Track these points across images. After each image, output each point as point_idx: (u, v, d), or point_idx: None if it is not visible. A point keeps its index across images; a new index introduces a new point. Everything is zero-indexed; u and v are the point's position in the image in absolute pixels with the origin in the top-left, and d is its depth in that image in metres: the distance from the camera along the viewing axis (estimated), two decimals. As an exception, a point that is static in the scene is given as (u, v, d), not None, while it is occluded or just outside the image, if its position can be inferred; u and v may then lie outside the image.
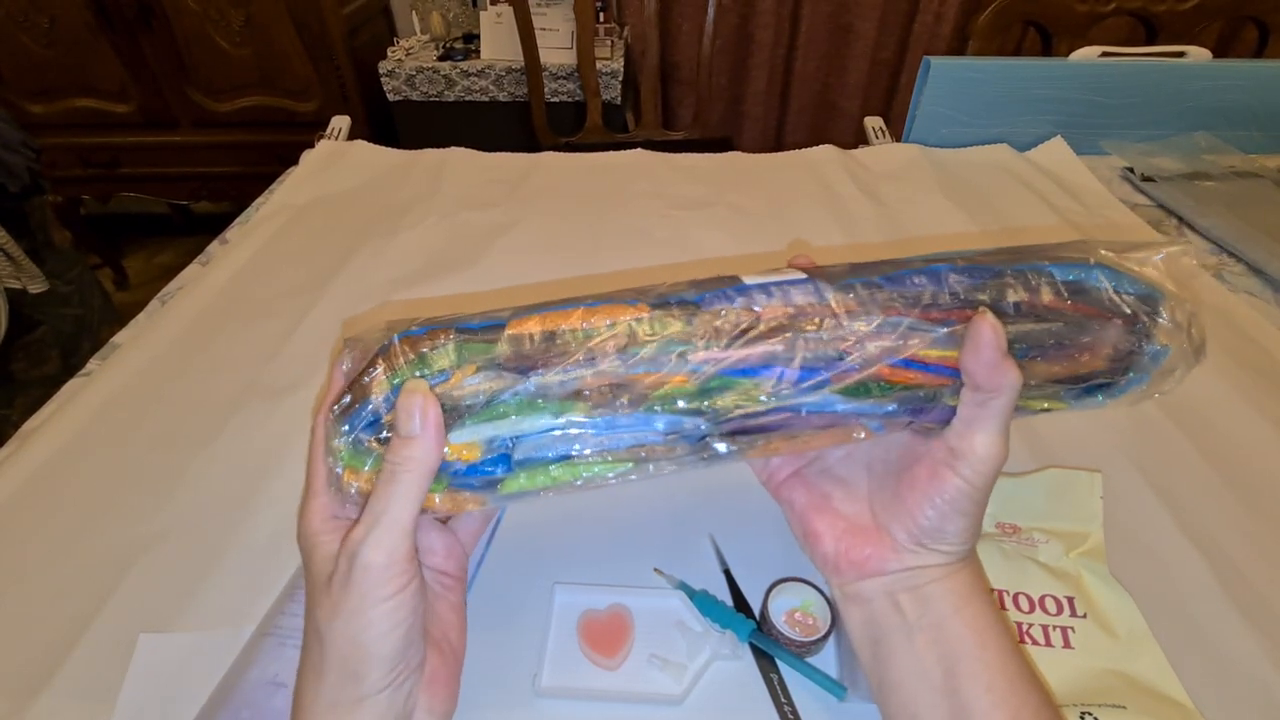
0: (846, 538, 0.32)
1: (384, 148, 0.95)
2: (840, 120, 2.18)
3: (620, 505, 0.47)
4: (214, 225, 0.85)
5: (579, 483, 0.29)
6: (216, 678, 0.37)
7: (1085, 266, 0.30)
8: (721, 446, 0.29)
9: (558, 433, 0.27)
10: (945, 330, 0.28)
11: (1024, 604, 0.40)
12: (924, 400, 0.29)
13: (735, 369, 0.27)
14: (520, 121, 1.78)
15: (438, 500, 0.28)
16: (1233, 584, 0.42)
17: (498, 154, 0.94)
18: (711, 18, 1.54)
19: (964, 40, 1.23)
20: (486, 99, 1.86)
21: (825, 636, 0.37)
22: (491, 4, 1.83)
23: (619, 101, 1.84)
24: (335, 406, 0.28)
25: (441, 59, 1.83)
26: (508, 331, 0.28)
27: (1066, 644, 0.38)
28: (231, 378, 0.58)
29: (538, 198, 0.84)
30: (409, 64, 1.81)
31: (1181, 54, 0.94)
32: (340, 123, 1.02)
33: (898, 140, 0.99)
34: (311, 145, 0.95)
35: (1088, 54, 0.94)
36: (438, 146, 0.95)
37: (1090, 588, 0.41)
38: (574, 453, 0.28)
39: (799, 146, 0.95)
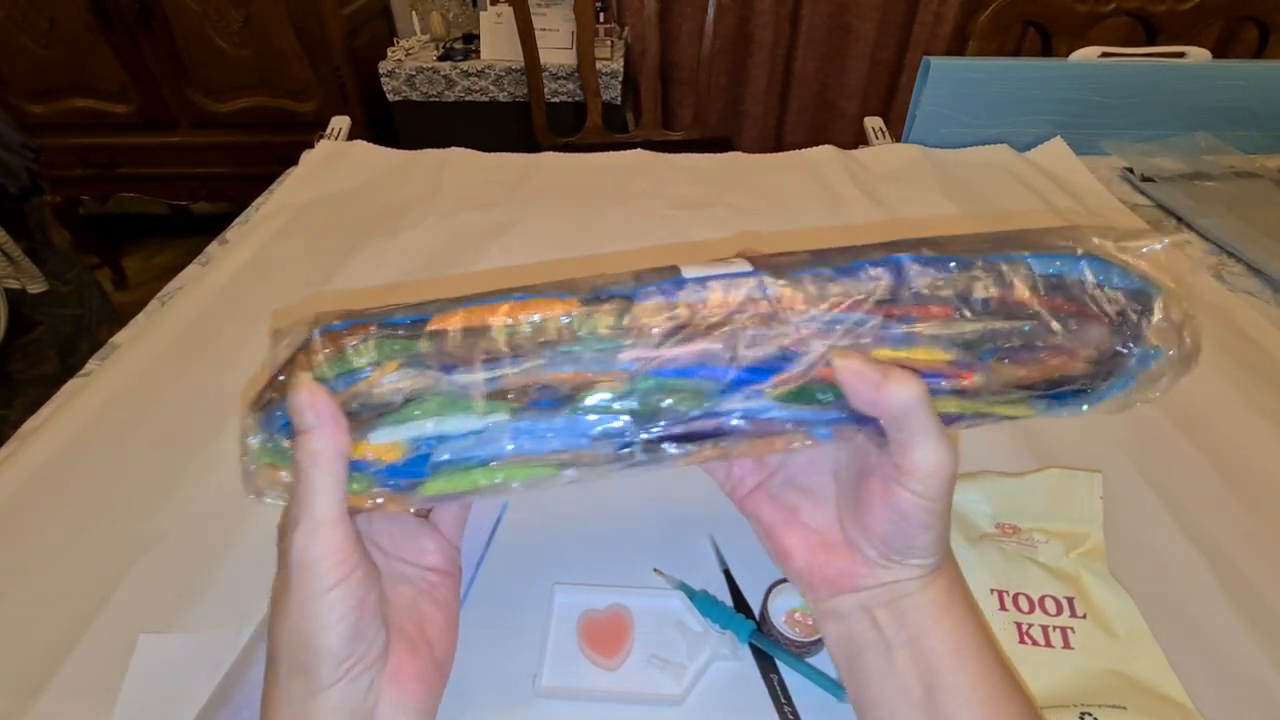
0: (818, 553, 0.31)
1: (384, 148, 0.95)
2: (840, 120, 2.18)
3: (620, 505, 0.47)
4: (213, 226, 0.85)
5: (502, 487, 0.27)
6: (216, 678, 0.37)
7: (1071, 257, 0.27)
8: (650, 453, 0.27)
9: (481, 434, 0.26)
10: (902, 329, 0.26)
11: (1024, 604, 0.40)
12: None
13: (668, 369, 0.26)
14: (520, 122, 1.78)
15: (369, 502, 0.27)
16: (1233, 584, 0.42)
17: (497, 154, 0.94)
18: (711, 18, 1.54)
19: (964, 40, 1.23)
20: (486, 99, 1.86)
21: (825, 637, 0.37)
22: (491, 4, 1.83)
23: (619, 102, 1.84)
24: (254, 405, 0.27)
25: (441, 59, 1.83)
26: (430, 327, 0.26)
27: (1066, 644, 0.38)
28: (231, 378, 0.58)
29: (538, 198, 0.84)
30: (409, 64, 1.81)
31: (1181, 54, 0.94)
32: (340, 123, 1.02)
33: (897, 140, 0.99)
34: (311, 145, 0.95)
35: (1087, 54, 0.94)
36: (437, 147, 0.95)
37: (1090, 588, 0.41)
38: (498, 455, 0.26)
39: (799, 147, 0.95)
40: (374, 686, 0.27)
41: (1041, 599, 0.40)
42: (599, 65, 1.71)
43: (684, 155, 0.94)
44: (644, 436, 0.26)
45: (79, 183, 2.06)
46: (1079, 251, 0.28)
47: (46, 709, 0.37)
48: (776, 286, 0.26)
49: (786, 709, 0.36)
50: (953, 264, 0.27)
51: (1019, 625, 0.39)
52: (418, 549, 0.32)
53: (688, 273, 0.27)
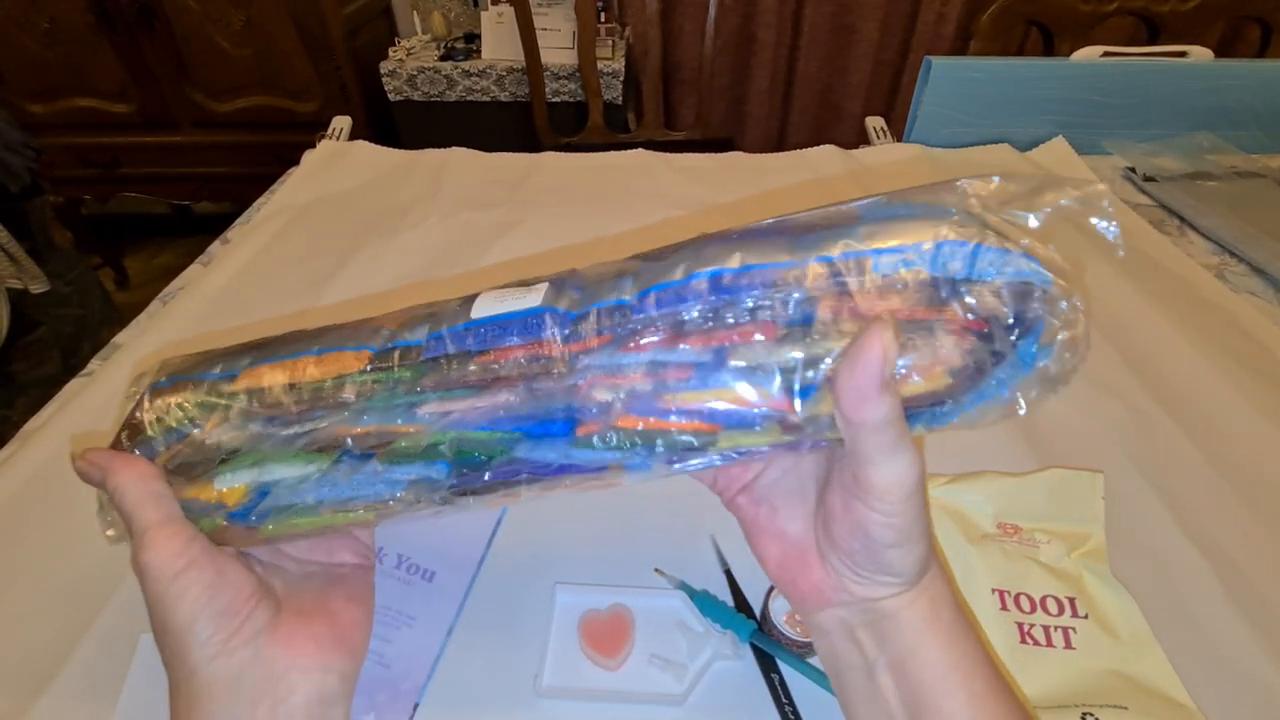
0: (791, 563, 0.29)
1: (385, 148, 0.95)
2: (842, 120, 2.18)
3: (621, 506, 0.47)
4: (215, 226, 0.85)
5: (327, 528, 0.30)
6: (217, 678, 0.37)
7: (925, 249, 0.22)
8: (463, 499, 0.28)
9: (306, 481, 0.28)
10: (709, 360, 0.23)
11: (1025, 604, 0.40)
12: (698, 445, 0.24)
13: (465, 423, 0.26)
14: (521, 122, 1.78)
15: (238, 538, 0.30)
16: (1234, 585, 0.42)
17: (499, 154, 0.94)
18: (713, 18, 1.54)
19: (966, 40, 1.23)
20: (488, 99, 1.86)
21: (826, 637, 0.37)
22: (493, 4, 1.83)
23: (620, 102, 1.84)
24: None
25: (442, 59, 1.83)
26: (239, 385, 0.29)
27: (1068, 645, 0.38)
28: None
29: (539, 198, 0.84)
30: (410, 64, 1.81)
31: (1183, 54, 0.94)
32: (341, 123, 1.02)
33: (899, 140, 0.99)
34: (312, 145, 0.95)
35: (1090, 54, 0.94)
36: (439, 147, 0.95)
37: (1092, 588, 0.41)
38: (320, 501, 0.28)
39: (801, 147, 0.95)
40: (263, 654, 0.29)
41: (1043, 599, 0.40)
42: (600, 65, 1.71)
43: (685, 155, 0.93)
44: (451, 485, 0.27)
45: (80, 183, 2.06)
46: (944, 233, 0.22)
47: (48, 709, 0.37)
48: (566, 327, 0.25)
49: (787, 709, 0.36)
50: (780, 266, 0.22)
51: (1020, 625, 0.39)
52: (327, 551, 0.35)
53: (478, 313, 0.27)
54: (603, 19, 1.87)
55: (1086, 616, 0.39)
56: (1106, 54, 0.93)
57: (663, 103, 2.10)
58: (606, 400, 0.24)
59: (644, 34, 1.62)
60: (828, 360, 0.22)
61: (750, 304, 0.22)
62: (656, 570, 0.42)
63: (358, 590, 0.35)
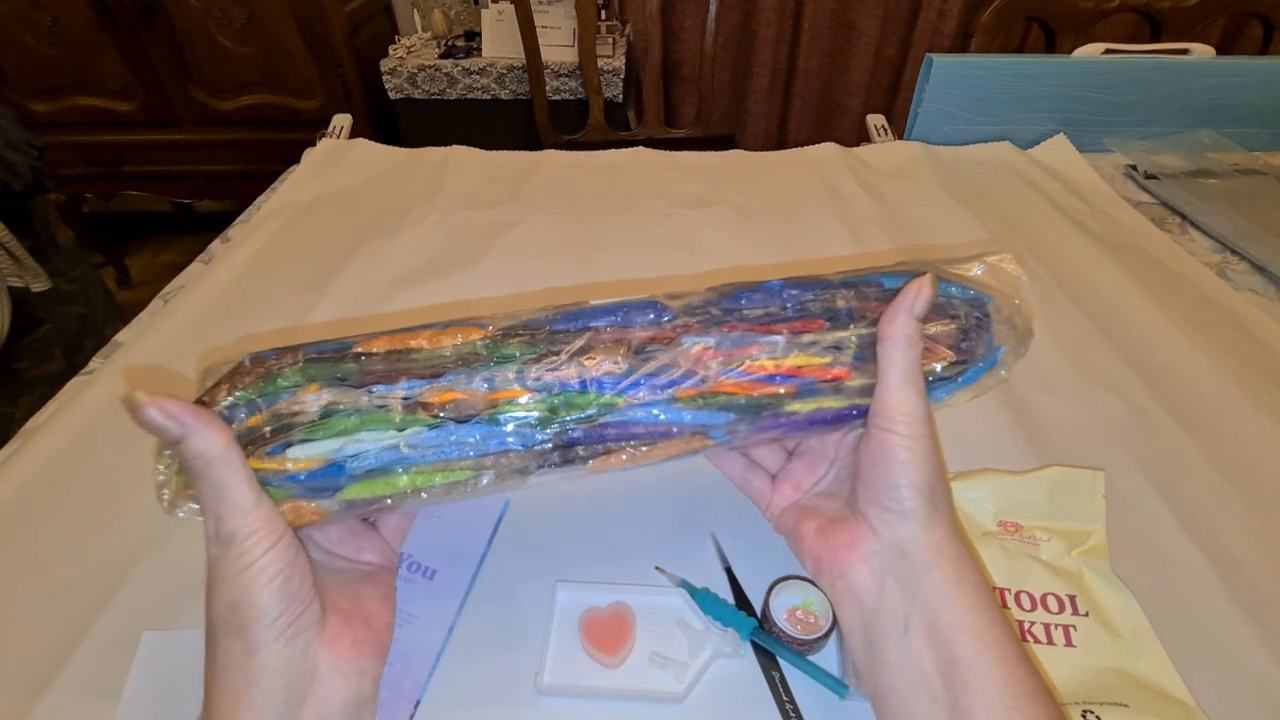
0: (826, 528, 0.33)
1: (386, 146, 0.95)
2: (843, 118, 2.18)
3: (622, 503, 0.47)
4: (216, 224, 0.85)
5: (418, 493, 0.30)
6: (219, 675, 0.37)
7: (915, 275, 0.32)
8: (563, 456, 0.29)
9: (398, 445, 0.28)
10: (780, 340, 0.30)
11: (1026, 602, 0.40)
12: (770, 408, 0.30)
13: (573, 384, 0.29)
14: (522, 119, 1.78)
15: (307, 516, 0.29)
16: (1236, 583, 0.42)
17: (500, 152, 0.94)
18: (714, 15, 1.54)
19: (967, 37, 1.23)
20: (488, 97, 1.86)
21: (827, 634, 0.37)
22: (493, 2, 1.83)
23: (621, 99, 1.84)
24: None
25: (443, 57, 1.83)
26: (354, 350, 0.29)
27: (1069, 642, 0.38)
28: (234, 376, 0.58)
29: (540, 196, 0.84)
30: (411, 62, 1.81)
31: (1185, 51, 0.94)
32: (342, 121, 1.02)
33: (900, 138, 0.99)
34: (313, 143, 0.95)
35: (1091, 51, 0.94)
36: (440, 144, 0.95)
37: (1092, 586, 0.41)
38: (414, 463, 0.28)
39: (802, 144, 0.95)
40: (310, 652, 0.28)
41: (1044, 597, 0.40)
42: (601, 63, 1.71)
43: (686, 153, 0.93)
44: (559, 442, 0.29)
45: (83, 181, 2.07)
46: (921, 271, 0.32)
47: (51, 706, 0.37)
48: (671, 315, 0.30)
49: (788, 707, 0.36)
50: (818, 287, 0.32)
51: (1021, 623, 0.39)
52: (355, 548, 0.35)
53: (594, 305, 0.31)
54: (603, 16, 1.87)
55: (1087, 614, 0.39)
56: (1108, 51, 0.93)
57: (663, 100, 2.10)
58: (699, 369, 0.29)
59: (644, 31, 1.62)
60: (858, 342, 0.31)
61: (809, 306, 0.31)
62: (657, 568, 0.43)
63: (387, 591, 0.35)
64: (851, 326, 0.31)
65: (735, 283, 0.33)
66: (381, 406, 0.28)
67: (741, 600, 0.41)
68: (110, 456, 0.51)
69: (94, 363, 0.61)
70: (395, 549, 0.37)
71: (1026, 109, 0.94)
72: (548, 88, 1.71)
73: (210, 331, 0.63)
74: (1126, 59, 0.92)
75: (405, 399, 0.28)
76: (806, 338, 0.30)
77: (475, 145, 0.95)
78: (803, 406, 0.31)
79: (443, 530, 0.44)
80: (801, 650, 0.38)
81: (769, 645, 0.38)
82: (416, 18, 2.05)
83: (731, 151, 0.94)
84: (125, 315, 0.77)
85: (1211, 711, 0.36)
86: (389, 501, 0.30)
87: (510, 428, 0.28)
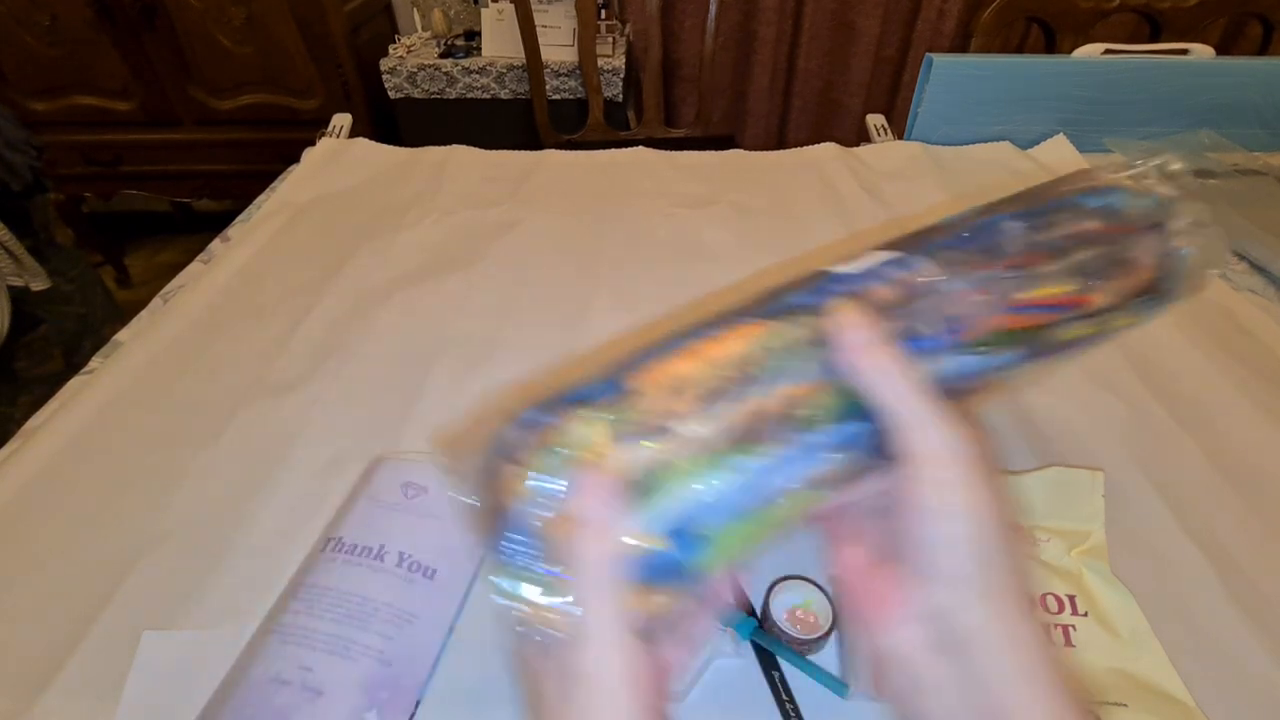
0: (865, 571, 0.27)
1: (386, 145, 0.95)
2: (843, 118, 2.18)
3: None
4: (216, 223, 0.85)
5: (784, 523, 0.25)
6: (219, 676, 0.37)
7: (1104, 191, 0.31)
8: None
9: (733, 484, 0.24)
10: (1024, 274, 0.28)
11: (1025, 602, 0.40)
12: (1043, 342, 0.29)
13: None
14: (522, 119, 1.78)
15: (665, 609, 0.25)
16: (1234, 583, 0.42)
17: (499, 152, 0.94)
18: (713, 15, 1.54)
19: (967, 37, 1.23)
20: (488, 96, 1.86)
21: (827, 634, 0.37)
22: (493, 1, 1.83)
23: (621, 99, 1.83)
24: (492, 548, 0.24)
25: (443, 56, 1.82)
26: (633, 387, 0.24)
27: (1068, 642, 0.38)
28: (234, 376, 0.58)
29: (540, 196, 0.84)
30: (410, 61, 1.80)
31: (1185, 51, 0.94)
32: (342, 120, 1.02)
33: (900, 138, 0.99)
34: (313, 143, 0.95)
35: (1091, 51, 0.94)
36: (439, 144, 0.95)
37: (1092, 586, 0.41)
38: (755, 501, 0.24)
39: (801, 144, 0.95)
40: None
41: (1043, 597, 0.40)
42: (601, 62, 1.71)
43: (686, 153, 0.93)
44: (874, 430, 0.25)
45: (82, 180, 2.06)
46: (1102, 185, 0.31)
47: (51, 706, 0.37)
48: (919, 263, 0.28)
49: (788, 706, 0.36)
50: (1035, 215, 0.30)
51: (1020, 623, 0.39)
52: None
53: (842, 270, 0.28)
54: (603, 16, 1.87)
55: (1086, 614, 0.39)
56: (1108, 51, 0.93)
57: (663, 100, 2.10)
58: (975, 310, 0.27)
59: (644, 31, 1.62)
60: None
61: (1026, 240, 0.29)
62: (657, 568, 0.42)
63: (698, 631, 0.29)
64: (1080, 249, 0.29)
65: (937, 225, 0.30)
66: (698, 446, 0.23)
67: (742, 600, 0.41)
68: (110, 456, 0.51)
69: (93, 362, 0.61)
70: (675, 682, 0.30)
71: (1026, 109, 0.94)
72: (548, 87, 1.71)
73: (210, 331, 0.63)
74: (1126, 59, 0.92)
75: (717, 431, 0.23)
76: (1046, 268, 0.29)
77: (475, 145, 0.95)
78: (1066, 334, 0.29)
79: (443, 530, 0.44)
80: (802, 650, 0.38)
81: (769, 645, 0.38)
82: (416, 17, 2.05)
83: (731, 151, 0.94)
84: (124, 315, 0.77)
85: (1211, 711, 0.36)
86: (754, 548, 0.25)
87: (829, 430, 0.25)
